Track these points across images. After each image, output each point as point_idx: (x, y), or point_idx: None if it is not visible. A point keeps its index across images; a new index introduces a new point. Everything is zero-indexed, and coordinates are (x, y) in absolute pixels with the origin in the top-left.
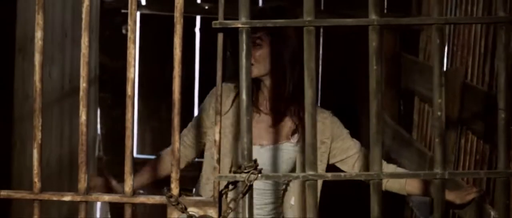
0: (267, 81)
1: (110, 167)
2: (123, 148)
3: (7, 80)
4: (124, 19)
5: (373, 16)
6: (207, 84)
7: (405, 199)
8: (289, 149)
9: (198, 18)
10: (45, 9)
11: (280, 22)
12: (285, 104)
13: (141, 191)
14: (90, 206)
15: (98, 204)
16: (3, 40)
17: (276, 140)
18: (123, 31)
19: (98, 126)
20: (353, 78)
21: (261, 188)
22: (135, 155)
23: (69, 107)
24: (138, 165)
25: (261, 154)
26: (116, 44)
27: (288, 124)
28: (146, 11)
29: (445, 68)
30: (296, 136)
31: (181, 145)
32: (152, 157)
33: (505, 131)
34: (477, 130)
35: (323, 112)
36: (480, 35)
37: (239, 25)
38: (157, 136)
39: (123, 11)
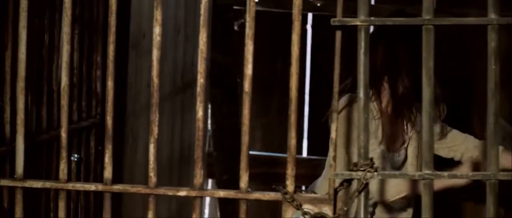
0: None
1: (220, 163)
2: (233, 143)
3: (120, 76)
4: (235, 15)
5: (492, 15)
6: (317, 82)
7: None
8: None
9: (309, 15)
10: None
11: (399, 20)
12: (402, 106)
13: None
14: (202, 202)
15: (207, 199)
16: (118, 36)
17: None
18: (235, 27)
19: (209, 122)
20: (468, 76)
21: None
22: None
23: (180, 103)
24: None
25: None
26: (227, 40)
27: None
28: (258, 8)
29: None
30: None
31: None
32: (262, 153)
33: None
34: None
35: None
36: None
37: (358, 23)
38: (267, 132)
39: (234, 7)
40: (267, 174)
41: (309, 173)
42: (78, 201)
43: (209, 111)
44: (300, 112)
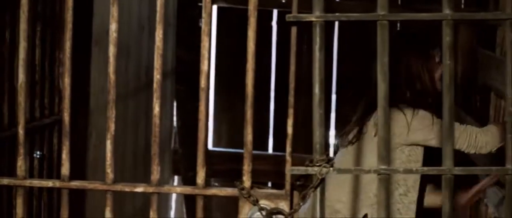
0: None
1: (185, 159)
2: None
3: (83, 73)
4: (200, 12)
5: (447, 11)
6: (283, 78)
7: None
8: None
9: (275, 11)
10: (121, 2)
11: (354, 16)
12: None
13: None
14: (164, 197)
15: (174, 196)
16: (80, 33)
17: None
18: (200, 24)
19: (174, 119)
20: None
21: None
22: (210, 147)
23: (145, 100)
24: (213, 157)
25: None
26: (192, 37)
27: None
28: (222, 4)
29: None
30: None
31: None
32: (228, 150)
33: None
34: None
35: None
36: None
37: (313, 19)
38: (232, 128)
39: (199, 4)
40: (234, 171)
41: (274, 169)
42: (41, 198)
43: (175, 107)
44: (266, 108)
